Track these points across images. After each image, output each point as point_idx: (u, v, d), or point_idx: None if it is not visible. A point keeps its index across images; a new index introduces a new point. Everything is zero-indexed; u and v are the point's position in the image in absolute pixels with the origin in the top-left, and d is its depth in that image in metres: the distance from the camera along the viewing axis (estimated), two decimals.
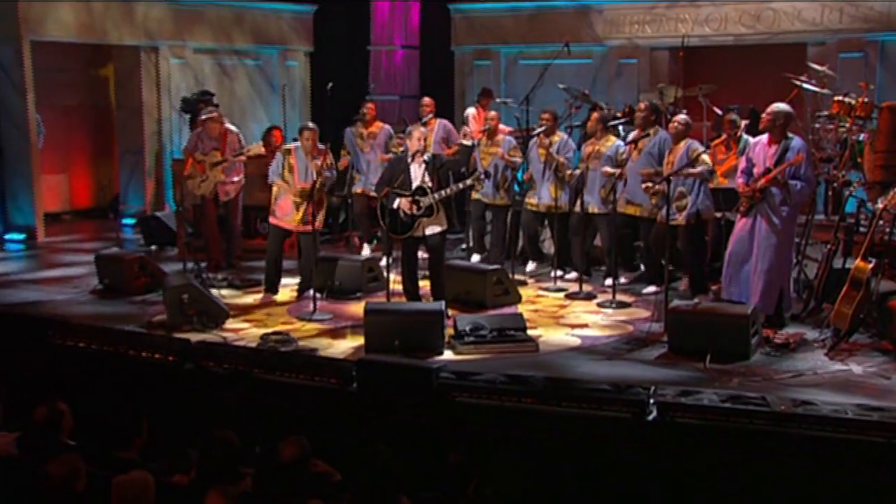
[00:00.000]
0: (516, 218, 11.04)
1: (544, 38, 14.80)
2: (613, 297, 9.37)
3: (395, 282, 9.02)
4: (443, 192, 8.65)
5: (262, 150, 10.90)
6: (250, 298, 9.72)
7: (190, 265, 10.26)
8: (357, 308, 9.19)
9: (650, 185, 9.52)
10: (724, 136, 10.32)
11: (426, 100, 11.59)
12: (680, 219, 9.30)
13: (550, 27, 14.90)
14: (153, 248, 12.13)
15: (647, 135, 9.76)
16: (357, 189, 11.67)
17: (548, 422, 6.39)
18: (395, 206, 8.63)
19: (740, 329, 7.55)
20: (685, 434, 6.13)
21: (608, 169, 9.85)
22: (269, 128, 12.60)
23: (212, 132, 10.87)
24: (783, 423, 5.94)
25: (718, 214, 9.68)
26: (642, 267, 10.31)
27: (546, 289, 10.05)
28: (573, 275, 10.26)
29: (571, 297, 9.66)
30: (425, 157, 8.74)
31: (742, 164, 8.62)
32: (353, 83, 14.79)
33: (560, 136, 10.56)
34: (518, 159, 10.64)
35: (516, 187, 11.33)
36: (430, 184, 8.64)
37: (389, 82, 15.85)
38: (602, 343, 8.14)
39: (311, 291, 9.22)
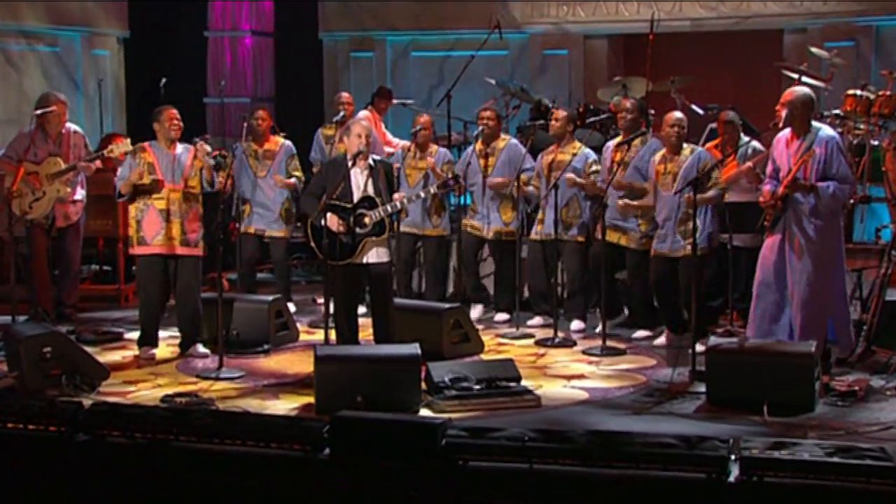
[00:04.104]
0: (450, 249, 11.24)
1: (443, 24, 15.23)
2: (604, 343, 9.57)
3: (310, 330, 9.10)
4: (397, 205, 8.71)
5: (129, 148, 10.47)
6: (117, 356, 9.51)
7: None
8: (270, 363, 9.19)
9: (628, 201, 9.78)
10: (718, 140, 10.63)
11: (344, 96, 11.59)
12: (686, 248, 9.48)
13: (452, 9, 15.28)
14: None
15: (641, 137, 9.96)
16: (249, 228, 11.30)
17: (596, 488, 6.44)
18: (324, 222, 8.61)
19: (804, 373, 7.80)
20: (778, 498, 6.25)
21: (573, 176, 10.07)
22: (106, 136, 12.32)
23: (51, 130, 10.54)
24: None
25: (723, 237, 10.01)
26: (626, 309, 10.58)
27: (506, 335, 10.20)
28: (536, 320, 10.49)
29: (544, 344, 9.83)
30: (370, 161, 8.76)
31: (768, 167, 8.92)
32: (184, 81, 14.63)
33: (507, 138, 10.79)
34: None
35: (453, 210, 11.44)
36: (378, 194, 8.66)
37: (236, 80, 15.80)
38: (616, 396, 8.29)
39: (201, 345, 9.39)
